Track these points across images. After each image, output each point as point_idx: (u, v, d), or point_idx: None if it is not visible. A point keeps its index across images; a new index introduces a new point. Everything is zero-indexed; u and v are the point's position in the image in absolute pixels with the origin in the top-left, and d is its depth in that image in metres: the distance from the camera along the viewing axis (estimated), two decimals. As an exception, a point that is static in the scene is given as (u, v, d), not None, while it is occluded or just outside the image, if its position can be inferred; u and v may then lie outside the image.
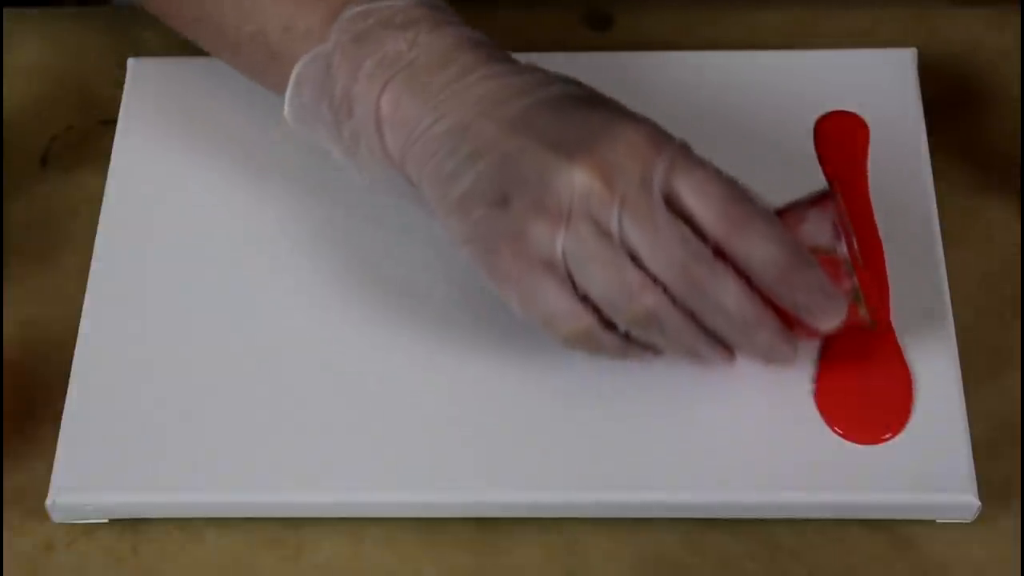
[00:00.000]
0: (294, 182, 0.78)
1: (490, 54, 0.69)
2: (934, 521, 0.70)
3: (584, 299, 0.67)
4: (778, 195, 0.68)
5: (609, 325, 0.67)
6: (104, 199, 0.78)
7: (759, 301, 0.66)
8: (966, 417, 0.70)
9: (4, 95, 0.84)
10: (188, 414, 0.72)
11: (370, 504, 0.71)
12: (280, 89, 0.72)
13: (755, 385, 0.71)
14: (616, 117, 0.67)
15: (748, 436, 0.70)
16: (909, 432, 0.70)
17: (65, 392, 0.72)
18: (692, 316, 0.67)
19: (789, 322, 0.67)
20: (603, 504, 0.70)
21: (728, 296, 0.66)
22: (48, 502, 0.70)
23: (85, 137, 0.82)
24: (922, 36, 0.84)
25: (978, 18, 0.85)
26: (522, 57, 0.70)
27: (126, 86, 0.81)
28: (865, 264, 0.71)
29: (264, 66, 0.73)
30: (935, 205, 0.76)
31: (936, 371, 0.72)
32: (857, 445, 0.70)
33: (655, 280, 0.65)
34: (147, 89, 0.81)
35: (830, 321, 0.67)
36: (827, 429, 0.70)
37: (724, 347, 0.68)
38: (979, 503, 0.69)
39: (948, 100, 0.82)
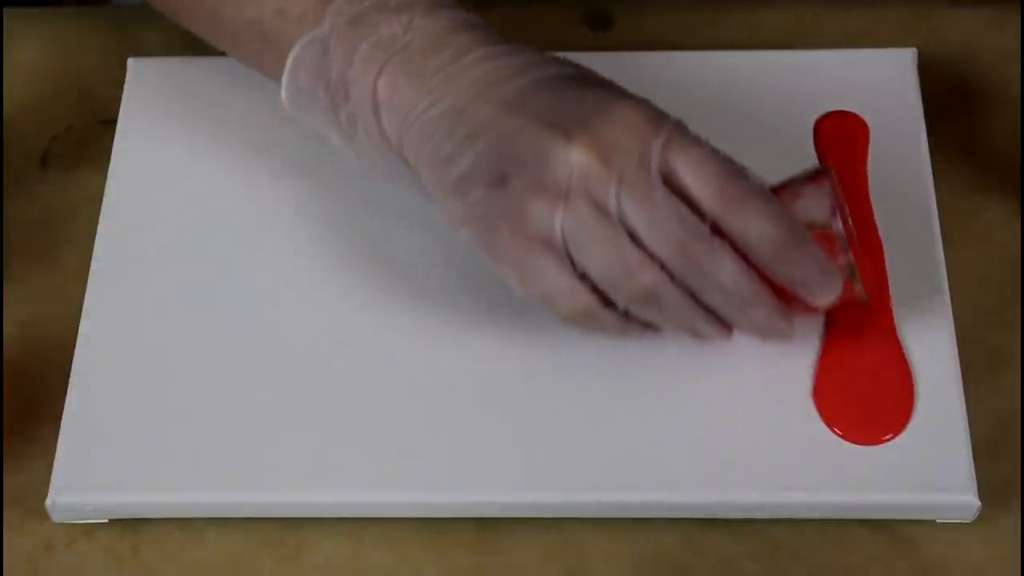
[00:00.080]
0: (294, 182, 0.78)
1: (485, 36, 0.69)
2: (934, 521, 0.70)
3: (583, 277, 0.67)
4: (778, 195, 0.68)
5: (608, 303, 0.68)
6: (104, 199, 0.78)
7: (756, 278, 0.67)
8: (966, 417, 0.70)
9: (4, 95, 0.84)
10: (188, 414, 0.72)
11: (370, 504, 0.71)
12: (277, 75, 0.72)
13: (755, 385, 0.71)
14: (612, 96, 0.67)
15: (748, 436, 0.70)
16: (909, 432, 0.70)
17: (65, 392, 0.72)
18: (690, 293, 0.67)
19: (786, 299, 0.68)
20: (603, 504, 0.70)
21: (725, 273, 0.66)
22: (48, 502, 0.70)
23: (85, 137, 0.82)
24: (922, 36, 0.84)
25: (978, 18, 0.85)
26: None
27: (126, 86, 0.81)
28: (865, 264, 0.71)
29: (261, 52, 0.73)
30: (935, 205, 0.76)
31: (936, 371, 0.71)
32: (857, 445, 0.70)
33: (653, 258, 0.66)
34: (147, 89, 0.81)
35: (826, 296, 0.68)
36: (827, 429, 0.70)
37: (722, 324, 0.69)
38: (979, 503, 0.69)
39: (948, 100, 0.82)
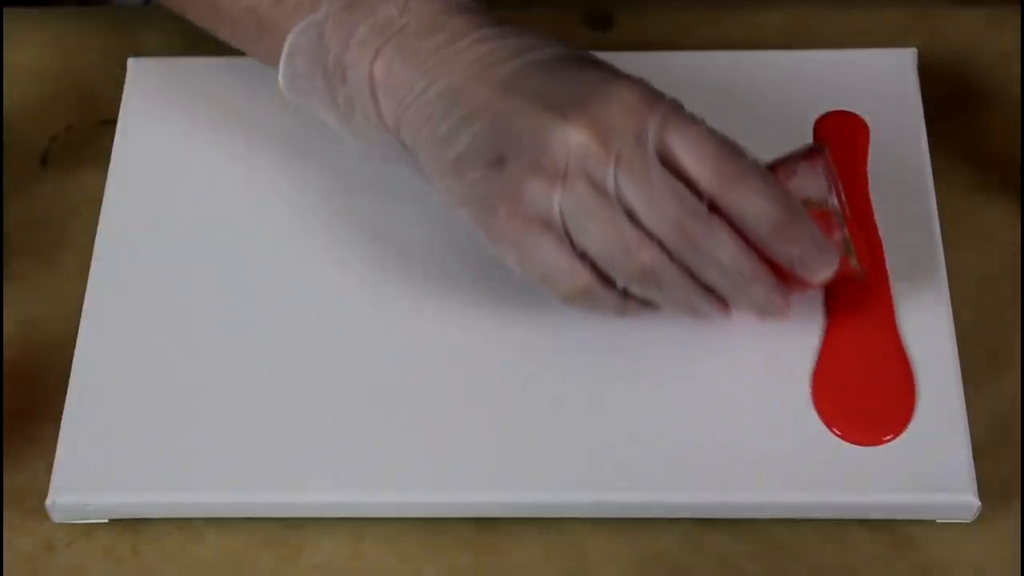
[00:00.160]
0: (294, 183, 0.78)
1: (481, 18, 0.70)
2: (934, 521, 0.70)
3: (582, 256, 0.67)
4: (778, 195, 0.68)
5: (607, 281, 0.68)
6: (104, 199, 0.78)
7: (753, 255, 0.67)
8: (966, 417, 0.70)
9: (4, 95, 0.84)
10: (188, 414, 0.72)
11: (370, 504, 0.71)
12: (275, 61, 0.72)
13: (756, 386, 0.71)
14: (609, 77, 0.68)
15: (748, 437, 0.70)
16: (909, 432, 0.70)
17: (65, 392, 0.72)
18: (688, 271, 0.67)
19: (783, 276, 0.68)
20: (603, 504, 0.70)
21: (723, 250, 0.67)
22: (48, 502, 0.70)
23: (85, 137, 0.82)
24: (922, 36, 0.84)
25: (978, 18, 0.85)
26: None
27: (126, 86, 0.81)
28: (860, 239, 0.71)
29: (258, 39, 0.73)
30: (935, 205, 0.76)
31: (936, 371, 0.71)
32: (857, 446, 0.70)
33: (651, 236, 0.66)
34: (147, 89, 0.81)
35: (823, 273, 0.68)
36: (827, 429, 0.70)
37: (720, 301, 0.69)
38: (979, 503, 0.69)
39: (948, 100, 0.82)
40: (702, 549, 0.70)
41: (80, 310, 0.75)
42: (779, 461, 0.70)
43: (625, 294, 0.69)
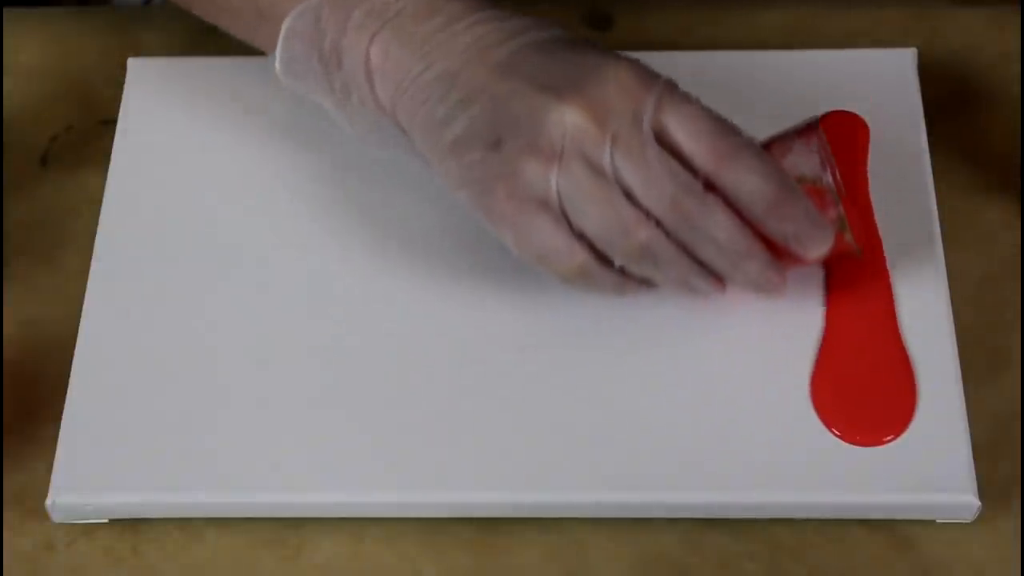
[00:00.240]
0: (294, 183, 0.78)
1: (477, 2, 0.70)
2: (934, 521, 0.70)
3: (579, 236, 0.68)
4: (778, 195, 0.68)
5: (605, 261, 0.68)
6: (104, 199, 0.78)
7: (749, 232, 0.68)
8: (966, 417, 0.70)
9: (4, 95, 0.84)
10: (188, 414, 0.72)
11: (370, 504, 0.71)
12: (272, 47, 0.72)
13: (755, 386, 0.71)
14: (604, 57, 0.68)
15: (748, 437, 0.70)
16: (909, 432, 0.70)
17: (65, 392, 0.72)
18: (685, 249, 0.68)
19: (778, 253, 0.69)
20: (603, 504, 0.70)
21: (718, 228, 0.67)
22: (48, 502, 0.70)
23: (85, 137, 0.82)
24: (922, 36, 0.84)
25: (978, 18, 0.85)
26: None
27: (126, 86, 0.81)
28: (854, 215, 0.71)
29: (257, 27, 0.73)
30: (935, 205, 0.76)
31: (936, 371, 0.71)
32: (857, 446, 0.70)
33: (648, 215, 0.67)
34: (147, 89, 0.81)
35: (818, 249, 0.68)
36: (827, 429, 0.70)
37: (716, 278, 0.69)
38: (979, 503, 0.69)
39: (948, 100, 0.82)
40: (702, 549, 0.70)
41: (80, 310, 0.75)
42: (779, 461, 0.70)
43: (622, 273, 0.69)
